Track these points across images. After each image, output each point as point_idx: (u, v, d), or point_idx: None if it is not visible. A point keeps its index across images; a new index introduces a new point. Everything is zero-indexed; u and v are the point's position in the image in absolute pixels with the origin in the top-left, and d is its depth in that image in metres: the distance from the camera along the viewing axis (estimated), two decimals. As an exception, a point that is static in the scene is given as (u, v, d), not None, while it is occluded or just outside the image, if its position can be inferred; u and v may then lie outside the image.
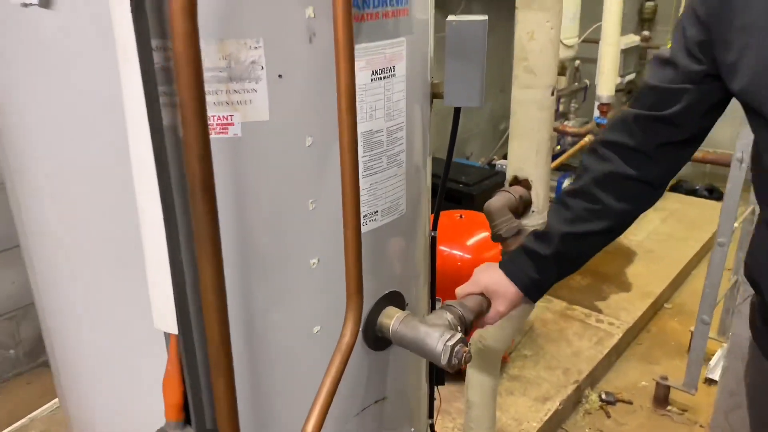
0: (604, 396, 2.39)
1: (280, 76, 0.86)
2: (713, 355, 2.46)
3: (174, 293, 0.86)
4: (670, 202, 3.96)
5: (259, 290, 0.92)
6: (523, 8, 1.25)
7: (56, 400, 2.25)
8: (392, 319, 1.09)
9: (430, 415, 1.47)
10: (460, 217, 2.40)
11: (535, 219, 1.38)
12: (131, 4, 0.72)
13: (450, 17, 1.14)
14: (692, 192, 4.26)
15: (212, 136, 0.76)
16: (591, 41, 3.59)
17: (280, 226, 0.92)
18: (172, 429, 0.98)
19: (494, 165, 3.53)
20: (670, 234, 3.54)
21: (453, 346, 1.02)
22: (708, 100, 0.94)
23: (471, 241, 2.24)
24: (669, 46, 1.02)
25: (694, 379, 2.22)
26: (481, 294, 1.11)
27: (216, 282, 0.77)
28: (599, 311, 2.79)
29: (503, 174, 3.15)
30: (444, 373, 1.51)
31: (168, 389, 0.96)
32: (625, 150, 0.99)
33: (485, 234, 2.26)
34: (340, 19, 0.81)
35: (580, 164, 1.08)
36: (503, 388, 2.25)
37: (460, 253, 2.20)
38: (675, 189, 4.26)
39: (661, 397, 2.35)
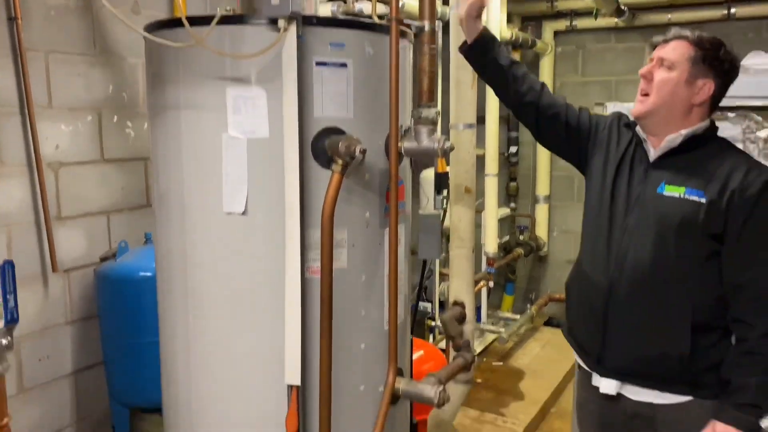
0: (515, 475, 3.15)
1: (353, 245, 1.73)
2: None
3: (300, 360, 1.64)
4: (546, 334, 5.02)
5: (335, 363, 1.68)
6: (455, 204, 2.23)
7: None
8: (400, 383, 1.88)
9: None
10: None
11: (468, 327, 2.25)
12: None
13: (420, 211, 2.08)
14: (560, 326, 5.37)
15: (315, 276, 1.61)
16: (476, 211, 4.76)
17: (346, 324, 1.73)
18: (291, 447, 1.67)
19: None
20: (548, 357, 4.53)
21: (440, 392, 1.83)
22: (570, 134, 1.87)
23: (414, 357, 3.04)
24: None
25: (576, 454, 3.05)
26: None
27: (327, 351, 1.57)
28: (504, 415, 3.63)
29: (422, 312, 4.04)
30: (416, 432, 2.27)
31: (290, 421, 1.68)
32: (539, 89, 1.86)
33: (421, 352, 3.09)
34: (393, 214, 1.70)
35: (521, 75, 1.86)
36: (442, 473, 2.94)
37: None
38: (548, 324, 5.36)
39: (556, 472, 3.15)
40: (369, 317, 1.80)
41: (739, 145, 2.10)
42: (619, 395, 1.78)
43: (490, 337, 4.66)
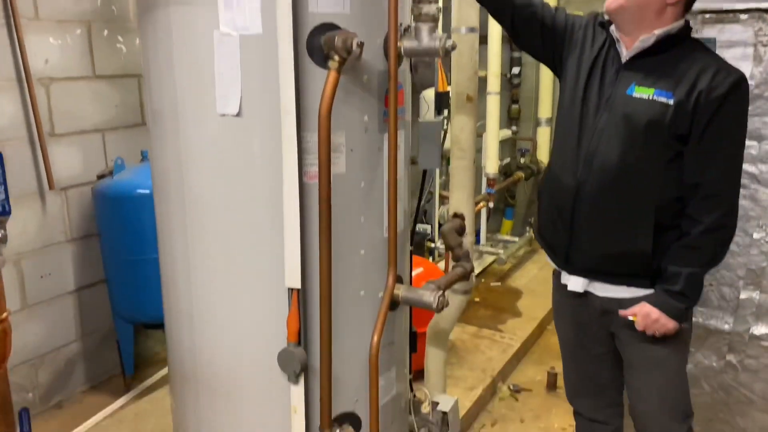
0: (512, 387, 3.24)
1: (351, 150, 1.69)
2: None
3: (300, 263, 1.62)
4: (544, 256, 5.05)
5: (335, 268, 1.66)
6: (456, 114, 2.18)
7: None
8: (400, 289, 1.88)
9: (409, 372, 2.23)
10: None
11: (468, 238, 2.24)
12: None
13: (420, 120, 2.02)
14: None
15: (313, 182, 1.57)
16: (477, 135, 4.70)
17: (345, 230, 1.71)
18: (293, 348, 1.69)
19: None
20: (545, 278, 4.55)
21: (439, 297, 1.83)
22: (545, 35, 1.83)
23: (414, 273, 3.07)
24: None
25: (572, 365, 3.12)
26: None
27: (327, 254, 1.56)
28: (501, 331, 3.70)
29: (422, 234, 4.05)
30: (416, 343, 2.31)
31: (291, 323, 1.69)
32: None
33: (421, 269, 3.12)
34: (392, 118, 1.66)
35: None
36: (441, 384, 3.01)
37: (404, 284, 3.02)
38: (546, 247, 5.41)
39: (551, 383, 3.24)
40: (368, 224, 1.78)
41: (750, 49, 2.03)
42: (588, 293, 1.86)
43: (489, 258, 4.71)
